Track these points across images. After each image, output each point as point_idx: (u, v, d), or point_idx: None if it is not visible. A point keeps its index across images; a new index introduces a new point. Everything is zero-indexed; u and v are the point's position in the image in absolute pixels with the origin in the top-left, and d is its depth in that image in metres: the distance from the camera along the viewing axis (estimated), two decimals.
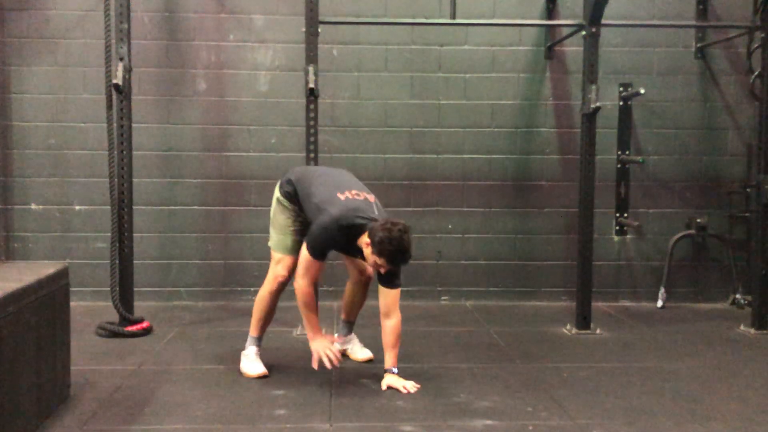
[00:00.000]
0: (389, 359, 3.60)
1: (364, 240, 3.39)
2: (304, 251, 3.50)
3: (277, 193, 3.77)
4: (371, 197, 3.59)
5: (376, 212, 3.49)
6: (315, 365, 3.56)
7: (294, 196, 3.68)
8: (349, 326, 4.12)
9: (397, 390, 3.49)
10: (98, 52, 4.91)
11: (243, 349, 3.85)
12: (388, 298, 3.55)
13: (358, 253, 3.53)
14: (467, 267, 5.63)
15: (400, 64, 5.52)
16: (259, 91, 5.47)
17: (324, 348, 3.54)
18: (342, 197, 3.48)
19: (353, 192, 3.54)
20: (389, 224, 3.32)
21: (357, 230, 3.42)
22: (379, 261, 3.36)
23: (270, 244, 3.79)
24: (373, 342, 4.10)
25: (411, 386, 3.51)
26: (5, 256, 5.38)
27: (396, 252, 3.32)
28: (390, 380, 3.54)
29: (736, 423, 3.19)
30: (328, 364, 3.52)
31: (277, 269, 3.73)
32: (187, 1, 5.40)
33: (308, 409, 3.28)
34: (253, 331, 3.83)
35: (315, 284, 3.59)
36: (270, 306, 3.78)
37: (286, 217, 3.72)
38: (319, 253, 3.49)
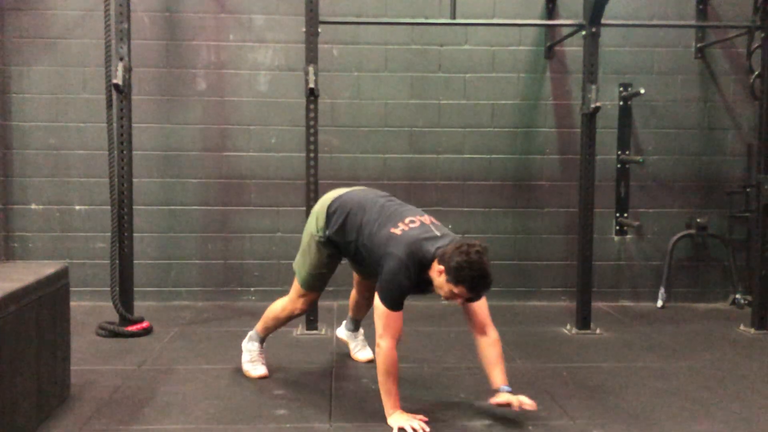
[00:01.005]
0: (498, 376, 3.17)
1: (435, 268, 3.01)
2: (378, 306, 3.07)
3: (312, 229, 3.48)
4: (425, 218, 3.25)
5: (438, 233, 3.14)
6: None
7: (335, 240, 3.41)
8: (356, 323, 4.10)
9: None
10: (98, 52, 4.91)
11: (246, 346, 3.83)
12: (477, 311, 3.19)
13: (429, 285, 3.11)
14: None
15: (400, 64, 5.52)
16: (259, 91, 5.47)
17: (408, 422, 3.04)
18: (398, 232, 3.12)
19: (406, 221, 3.18)
20: (465, 246, 2.93)
21: (427, 262, 3.05)
22: (457, 290, 2.96)
23: (295, 269, 3.60)
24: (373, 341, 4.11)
25: (528, 403, 3.10)
26: (5, 256, 5.38)
27: (477, 278, 2.93)
28: (505, 399, 3.12)
29: (736, 423, 3.19)
30: None
31: (297, 303, 3.61)
32: (187, 1, 5.40)
33: (308, 409, 3.28)
34: (260, 330, 3.79)
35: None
36: (281, 323, 3.75)
37: (321, 257, 3.48)
38: (398, 303, 3.07)
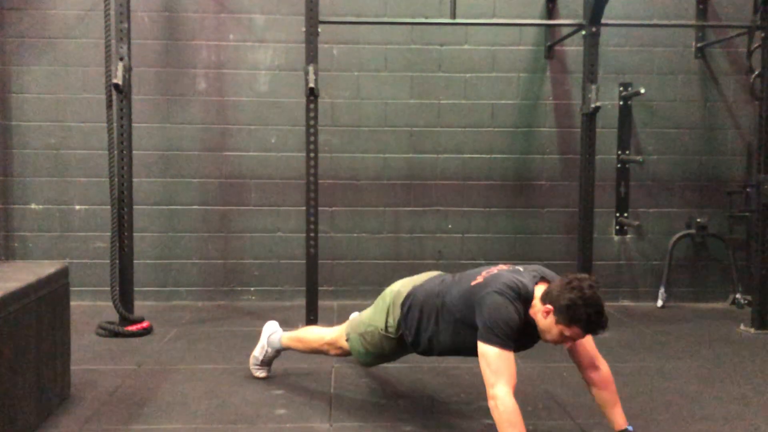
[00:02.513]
0: (619, 417, 2.84)
1: (540, 309, 2.66)
2: (486, 351, 2.64)
3: (382, 327, 3.13)
4: (502, 265, 2.95)
5: (522, 269, 2.84)
6: None
7: (405, 336, 3.08)
8: None
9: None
10: (98, 52, 4.91)
11: (245, 349, 3.82)
12: (586, 345, 2.82)
13: (532, 329, 2.73)
14: (468, 267, 5.58)
15: (400, 64, 5.52)
16: (259, 91, 5.47)
17: None
18: (481, 279, 2.81)
19: (483, 273, 2.86)
20: (575, 281, 2.59)
21: (527, 297, 2.71)
22: (569, 332, 2.61)
23: (351, 335, 3.26)
24: None
25: None
26: (5, 256, 5.38)
27: (594, 315, 2.56)
28: None
29: (736, 422, 3.19)
30: None
31: (335, 350, 3.37)
32: (187, 1, 5.40)
33: (308, 409, 3.28)
34: (286, 343, 3.58)
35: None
36: (308, 352, 3.58)
37: (383, 350, 3.19)
38: (509, 340, 2.65)
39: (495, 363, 2.62)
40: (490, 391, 2.61)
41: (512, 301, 2.66)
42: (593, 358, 2.84)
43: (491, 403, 2.60)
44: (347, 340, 3.27)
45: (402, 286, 3.17)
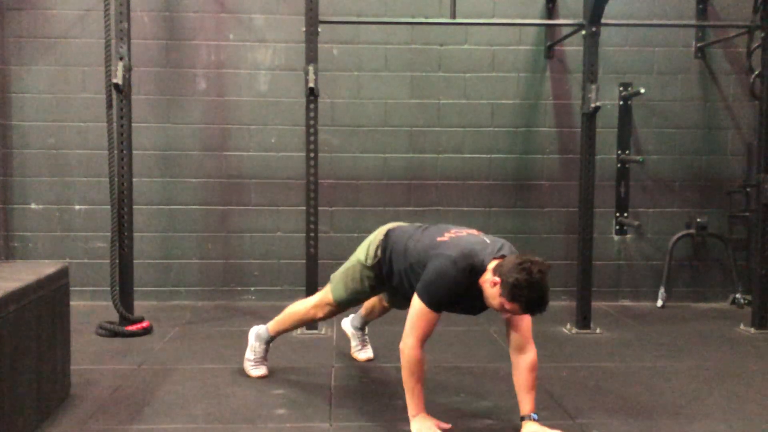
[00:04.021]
0: (527, 404, 2.98)
1: (489, 279, 2.81)
2: (415, 304, 2.91)
3: (363, 256, 3.38)
4: (473, 231, 3.14)
5: (487, 239, 3.01)
6: None
7: (380, 263, 3.32)
8: (364, 323, 4.06)
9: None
10: (98, 52, 4.91)
11: (245, 349, 3.81)
12: (521, 325, 2.97)
13: (477, 296, 2.91)
14: None
15: (400, 63, 5.52)
16: (259, 90, 5.47)
17: (430, 429, 2.93)
18: (445, 238, 3.00)
19: (452, 231, 3.07)
20: (527, 263, 2.71)
21: (479, 268, 2.87)
22: (509, 306, 2.76)
23: (333, 283, 3.50)
24: (375, 341, 4.11)
25: None
26: (5, 256, 5.38)
27: (535, 299, 2.72)
28: (534, 430, 2.95)
29: (736, 422, 3.19)
30: None
31: (324, 309, 3.56)
32: (187, 1, 5.40)
33: (308, 409, 3.28)
34: (272, 330, 3.73)
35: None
36: (297, 326, 3.74)
37: (364, 286, 3.41)
38: (438, 303, 2.89)
39: (418, 317, 2.90)
40: (405, 339, 2.92)
41: (460, 271, 2.84)
42: (524, 342, 2.98)
43: (402, 347, 2.93)
44: (329, 285, 3.50)
45: (388, 225, 3.45)
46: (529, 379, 2.98)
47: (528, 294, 2.70)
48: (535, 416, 2.98)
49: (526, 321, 2.96)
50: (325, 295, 3.54)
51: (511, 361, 3.02)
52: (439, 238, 3.03)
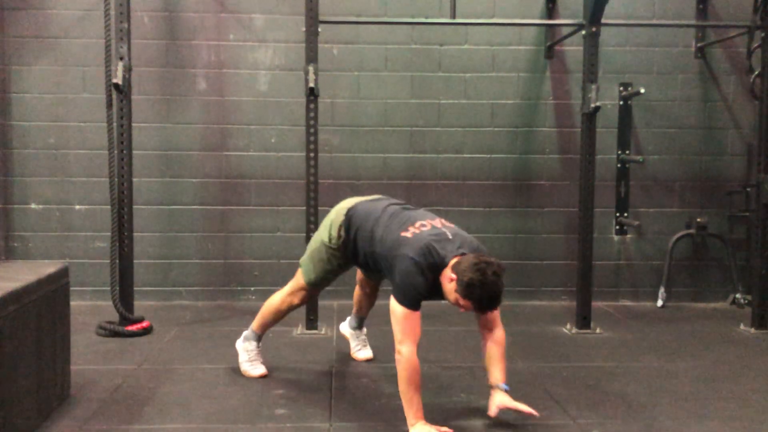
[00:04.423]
0: (498, 373, 3.14)
1: (448, 275, 2.94)
2: (396, 310, 2.98)
3: (326, 236, 3.48)
4: (437, 221, 3.21)
5: (450, 234, 3.08)
6: None
7: (345, 244, 3.42)
8: (360, 321, 4.08)
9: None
10: (98, 52, 4.91)
11: (243, 346, 3.82)
12: (488, 315, 3.13)
13: (439, 291, 3.04)
14: None
15: (400, 63, 5.52)
16: (259, 90, 5.47)
17: None
18: (409, 235, 3.08)
19: (417, 225, 3.13)
20: (483, 264, 2.84)
21: (439, 265, 2.98)
22: (463, 302, 2.92)
23: (302, 267, 3.62)
24: (374, 341, 4.11)
25: (529, 410, 3.08)
26: (5, 256, 5.38)
27: (487, 299, 2.88)
28: (503, 400, 3.10)
29: (736, 422, 3.19)
30: None
31: (298, 295, 3.65)
32: (187, 1, 5.40)
33: (308, 409, 3.28)
34: (256, 328, 3.79)
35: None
36: (278, 318, 3.76)
37: (332, 265, 3.52)
38: (416, 302, 2.99)
39: (403, 322, 2.97)
40: (398, 347, 2.96)
41: (422, 270, 2.95)
42: (492, 323, 3.16)
43: (397, 357, 2.96)
44: (300, 269, 3.60)
45: (346, 202, 3.54)
46: (498, 352, 3.16)
47: (481, 293, 2.85)
48: (506, 386, 3.12)
49: (494, 312, 3.11)
50: (297, 280, 3.64)
51: (481, 337, 3.21)
52: (402, 233, 3.09)
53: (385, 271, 3.22)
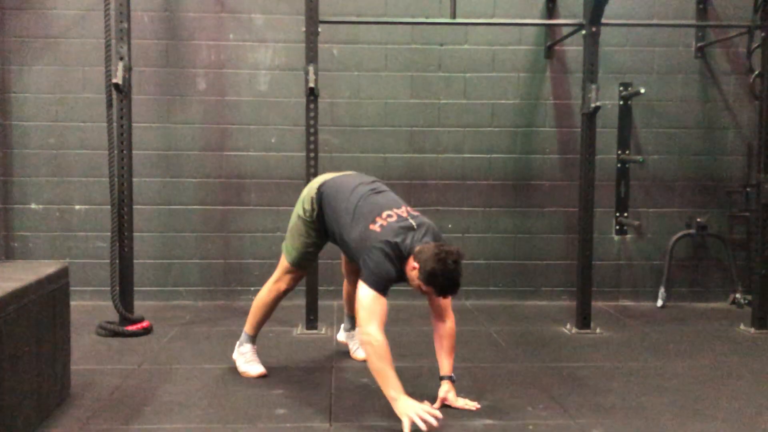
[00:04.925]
0: (447, 365, 3.33)
1: (411, 263, 3.11)
2: (365, 294, 3.11)
3: (300, 211, 3.60)
4: (402, 210, 3.30)
5: (415, 224, 3.21)
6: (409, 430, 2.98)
7: (318, 219, 3.54)
8: (353, 321, 4.08)
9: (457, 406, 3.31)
10: (98, 52, 4.91)
11: (239, 350, 3.83)
12: (441, 301, 3.29)
13: (405, 276, 3.21)
14: (467, 266, 5.53)
15: (400, 63, 5.52)
16: (259, 90, 5.47)
17: (416, 410, 2.98)
18: (377, 228, 3.19)
19: (384, 216, 3.24)
20: (443, 253, 3.00)
21: (405, 255, 3.14)
22: (425, 288, 3.09)
23: (284, 250, 3.70)
24: None
25: (472, 405, 3.29)
26: (5, 256, 5.38)
27: (448, 286, 3.06)
28: (448, 396, 3.29)
29: (736, 422, 3.19)
30: (423, 427, 2.94)
31: (284, 279, 3.70)
32: (187, 1, 5.40)
33: (308, 409, 3.28)
34: (249, 329, 3.82)
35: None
36: (270, 311, 3.80)
37: (307, 238, 3.60)
38: (385, 288, 3.14)
39: (371, 305, 3.09)
40: (365, 328, 3.08)
41: (390, 259, 3.12)
42: (444, 312, 3.32)
43: (365, 338, 3.09)
44: (283, 254, 3.68)
45: (319, 178, 3.66)
46: (448, 344, 3.34)
47: (442, 281, 3.03)
48: (453, 378, 3.33)
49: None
50: (281, 265, 3.71)
51: (433, 328, 3.37)
52: (371, 227, 3.21)
53: (353, 257, 3.38)
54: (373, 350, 3.06)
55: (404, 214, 3.27)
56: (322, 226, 3.55)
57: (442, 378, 3.33)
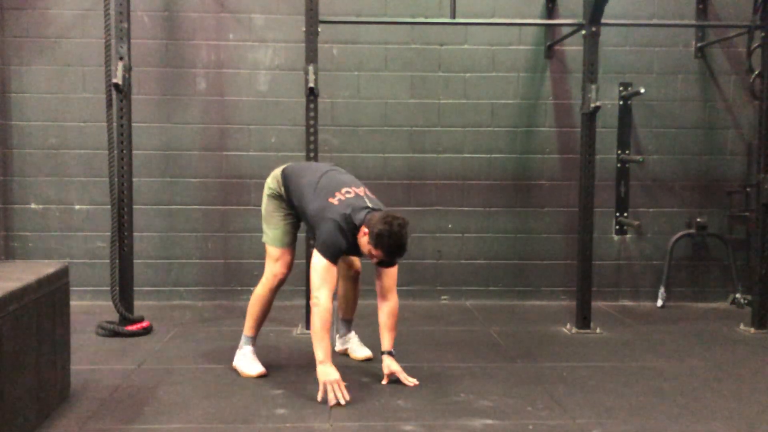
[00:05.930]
0: (387, 341, 3.64)
1: (363, 231, 3.40)
2: (318, 262, 3.42)
3: (267, 190, 3.79)
4: (360, 190, 3.59)
5: (370, 204, 3.50)
6: (320, 397, 3.33)
7: (285, 194, 3.72)
8: (348, 324, 4.14)
9: (399, 383, 3.55)
10: (98, 52, 4.91)
11: (239, 353, 3.84)
12: (386, 277, 3.59)
13: (357, 248, 3.50)
14: (467, 266, 5.63)
15: (400, 63, 5.52)
16: (259, 90, 5.47)
17: (331, 382, 3.33)
18: (335, 201, 3.47)
19: (343, 191, 3.52)
20: (389, 218, 3.32)
21: (357, 226, 3.43)
22: (375, 252, 3.37)
23: (265, 240, 3.79)
24: (373, 341, 4.11)
25: (411, 381, 3.57)
26: (5, 256, 5.38)
27: (394, 247, 3.33)
28: (391, 364, 3.60)
29: (736, 422, 3.19)
30: (332, 401, 3.28)
31: (275, 267, 3.75)
32: (187, 1, 5.40)
33: (308, 409, 3.28)
34: (248, 331, 3.82)
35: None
36: (267, 305, 3.81)
37: (280, 212, 3.75)
38: (336, 258, 3.45)
39: (323, 273, 3.39)
40: (315, 293, 3.40)
41: (343, 231, 3.40)
42: (388, 290, 3.61)
43: (315, 302, 3.40)
44: (266, 247, 3.78)
45: (280, 167, 3.86)
46: (390, 322, 3.63)
47: (389, 242, 3.31)
48: (393, 352, 3.61)
49: (391, 273, 3.60)
50: (267, 256, 3.78)
51: (378, 307, 3.64)
52: (330, 199, 3.48)
53: (310, 226, 3.63)
54: (318, 313, 3.38)
55: (361, 194, 3.55)
56: (288, 198, 3.71)
57: (383, 353, 3.62)
